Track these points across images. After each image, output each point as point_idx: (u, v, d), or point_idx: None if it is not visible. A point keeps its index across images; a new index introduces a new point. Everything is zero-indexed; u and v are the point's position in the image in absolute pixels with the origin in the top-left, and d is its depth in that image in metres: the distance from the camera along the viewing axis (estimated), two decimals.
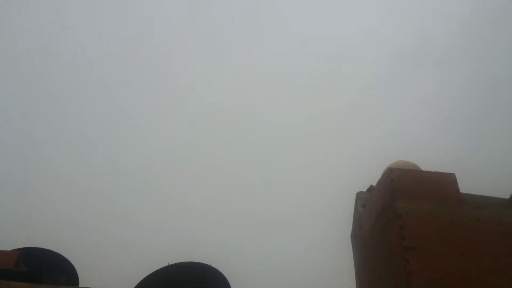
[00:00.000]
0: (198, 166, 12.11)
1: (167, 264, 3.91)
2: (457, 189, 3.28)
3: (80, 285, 3.63)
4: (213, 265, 4.07)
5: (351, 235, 4.30)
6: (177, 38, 13.27)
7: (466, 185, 3.40)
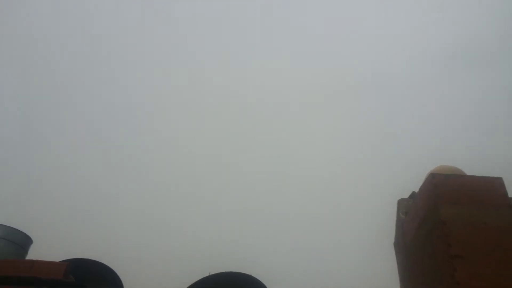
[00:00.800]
0: (244, 177, 12.23)
1: (208, 274, 3.94)
2: (505, 193, 3.13)
3: None
4: (254, 275, 4.06)
5: (394, 243, 4.19)
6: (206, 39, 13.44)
7: None
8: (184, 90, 12.95)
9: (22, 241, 3.69)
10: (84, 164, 11.72)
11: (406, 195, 4.01)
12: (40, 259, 2.73)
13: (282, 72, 13.42)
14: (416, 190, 3.65)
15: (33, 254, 3.99)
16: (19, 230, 3.73)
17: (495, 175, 3.34)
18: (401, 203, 4.04)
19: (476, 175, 3.39)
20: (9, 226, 3.65)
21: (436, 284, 2.95)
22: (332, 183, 11.28)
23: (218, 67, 13.34)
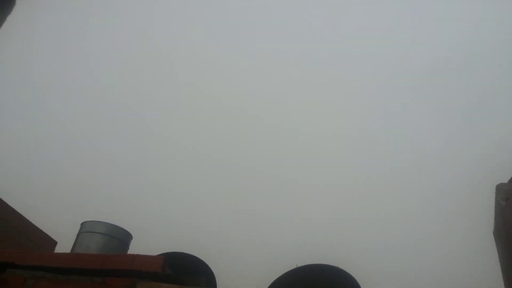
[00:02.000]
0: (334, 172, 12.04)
1: (296, 266, 3.98)
2: None
3: (218, 287, 3.89)
4: (342, 267, 4.02)
5: (494, 232, 3.92)
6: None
7: None
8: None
9: (124, 237, 4.00)
10: (173, 167, 12.35)
11: (505, 179, 3.75)
12: (139, 253, 2.95)
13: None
14: None
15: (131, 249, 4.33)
16: (120, 227, 4.04)
17: None
18: (499, 188, 3.78)
19: None
20: (113, 224, 3.96)
21: None
22: (422, 172, 10.78)
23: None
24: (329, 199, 10.77)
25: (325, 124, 12.03)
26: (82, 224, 4.10)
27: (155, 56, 13.37)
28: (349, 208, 10.19)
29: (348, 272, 3.90)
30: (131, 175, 11.37)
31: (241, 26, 13.28)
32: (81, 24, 13.60)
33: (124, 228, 4.12)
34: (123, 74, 13.19)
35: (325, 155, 11.80)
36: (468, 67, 11.57)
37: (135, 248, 4.15)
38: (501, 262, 3.78)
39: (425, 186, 9.90)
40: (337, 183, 11.00)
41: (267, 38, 13.26)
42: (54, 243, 4.81)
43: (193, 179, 11.74)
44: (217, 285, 4.21)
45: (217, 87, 12.88)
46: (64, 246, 4.38)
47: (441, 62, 12.05)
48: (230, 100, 12.84)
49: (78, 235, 4.03)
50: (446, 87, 11.74)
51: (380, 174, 11.02)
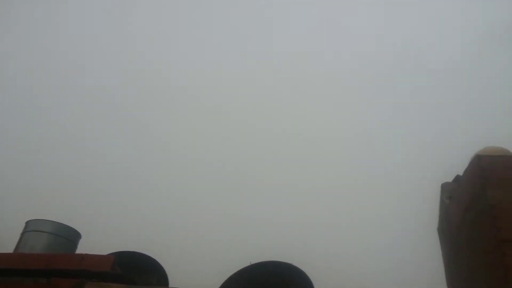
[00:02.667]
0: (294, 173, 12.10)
1: (249, 264, 3.99)
2: None
3: (170, 286, 3.83)
4: (295, 264, 4.07)
5: (438, 229, 4.09)
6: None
7: None
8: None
9: (72, 236, 3.86)
10: (138, 164, 12.05)
11: (449, 178, 3.89)
12: (88, 252, 2.85)
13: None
14: (461, 173, 3.54)
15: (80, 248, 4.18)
16: (69, 226, 3.90)
17: None
18: (444, 187, 3.92)
19: None
20: (60, 223, 3.82)
21: (484, 270, 2.87)
22: (370, 170, 11.12)
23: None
24: (284, 197, 10.91)
25: (321, 125, 12.15)
26: (27, 222, 3.93)
27: (148, 60, 13.16)
28: (301, 206, 10.37)
29: (301, 268, 3.96)
30: (80, 171, 11.01)
31: (237, 27, 13.23)
32: (81, 24, 13.23)
33: (72, 227, 3.98)
34: (116, 76, 12.87)
35: (305, 156, 11.94)
36: (416, 61, 12.05)
37: (85, 247, 4.06)
38: (444, 257, 3.95)
39: (372, 183, 10.24)
40: (303, 185, 11.17)
41: (263, 40, 13.29)
42: None
43: (144, 175, 11.53)
44: (169, 283, 4.15)
45: (211, 89, 12.81)
46: (6, 246, 4.17)
47: (441, 62, 12.41)
48: (224, 99, 12.76)
49: (22, 234, 3.86)
50: (396, 80, 12.14)
51: (332, 172, 11.30)
